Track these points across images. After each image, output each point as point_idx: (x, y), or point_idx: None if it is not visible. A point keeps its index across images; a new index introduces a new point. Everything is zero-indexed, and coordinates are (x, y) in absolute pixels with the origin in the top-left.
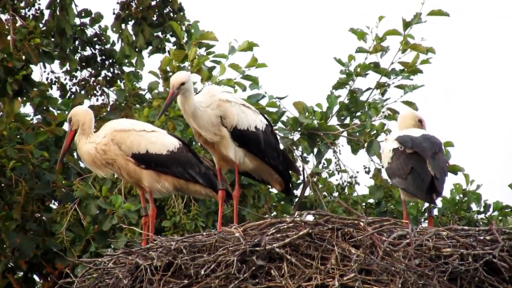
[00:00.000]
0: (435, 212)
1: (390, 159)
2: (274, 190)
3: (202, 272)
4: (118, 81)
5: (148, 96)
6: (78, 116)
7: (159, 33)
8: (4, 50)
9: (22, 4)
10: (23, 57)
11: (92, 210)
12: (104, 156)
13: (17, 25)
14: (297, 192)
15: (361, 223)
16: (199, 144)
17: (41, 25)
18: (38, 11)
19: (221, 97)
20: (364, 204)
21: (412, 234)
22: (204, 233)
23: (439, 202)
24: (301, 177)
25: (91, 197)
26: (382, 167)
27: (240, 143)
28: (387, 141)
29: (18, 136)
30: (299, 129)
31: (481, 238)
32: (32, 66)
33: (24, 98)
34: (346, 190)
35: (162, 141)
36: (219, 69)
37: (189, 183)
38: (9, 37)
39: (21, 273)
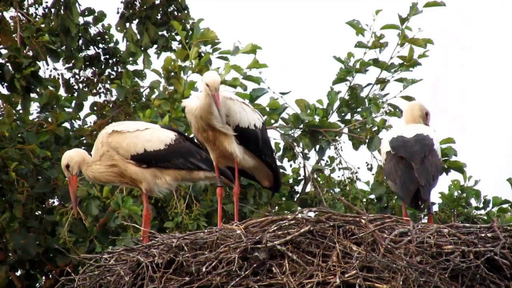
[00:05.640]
0: (435, 208)
1: (385, 161)
2: None
3: (204, 269)
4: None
5: (146, 92)
6: (75, 158)
7: (164, 32)
8: (11, 47)
9: (27, 2)
10: (31, 53)
11: (93, 210)
12: (111, 165)
13: (22, 22)
14: (298, 188)
15: (363, 221)
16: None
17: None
18: (46, 10)
19: (226, 95)
20: (364, 200)
21: (413, 231)
22: (206, 230)
23: (437, 198)
24: (302, 174)
25: (91, 197)
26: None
27: (241, 141)
28: (385, 139)
29: (19, 135)
30: (300, 126)
31: (483, 235)
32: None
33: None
34: (347, 187)
35: (158, 137)
36: (224, 69)
37: (193, 172)
38: (15, 34)
39: (23, 271)
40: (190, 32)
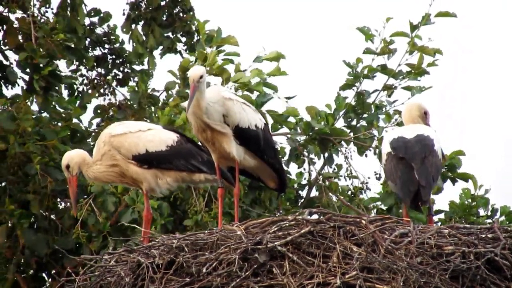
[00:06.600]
0: (442, 216)
1: (385, 161)
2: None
3: (204, 270)
4: (130, 81)
5: (162, 96)
6: (75, 159)
7: (169, 33)
8: (28, 47)
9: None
10: (45, 53)
11: (109, 206)
12: (112, 165)
13: (37, 23)
14: (303, 193)
15: (363, 221)
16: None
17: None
18: (52, 10)
19: (225, 95)
20: (375, 210)
21: (414, 232)
22: (206, 231)
23: (446, 206)
24: (307, 178)
25: (107, 193)
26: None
27: (241, 142)
28: (385, 140)
29: (37, 132)
30: (310, 133)
31: (483, 236)
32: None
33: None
34: (356, 195)
35: (160, 137)
36: (250, 72)
37: (193, 174)
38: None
39: (30, 272)
40: (198, 32)
